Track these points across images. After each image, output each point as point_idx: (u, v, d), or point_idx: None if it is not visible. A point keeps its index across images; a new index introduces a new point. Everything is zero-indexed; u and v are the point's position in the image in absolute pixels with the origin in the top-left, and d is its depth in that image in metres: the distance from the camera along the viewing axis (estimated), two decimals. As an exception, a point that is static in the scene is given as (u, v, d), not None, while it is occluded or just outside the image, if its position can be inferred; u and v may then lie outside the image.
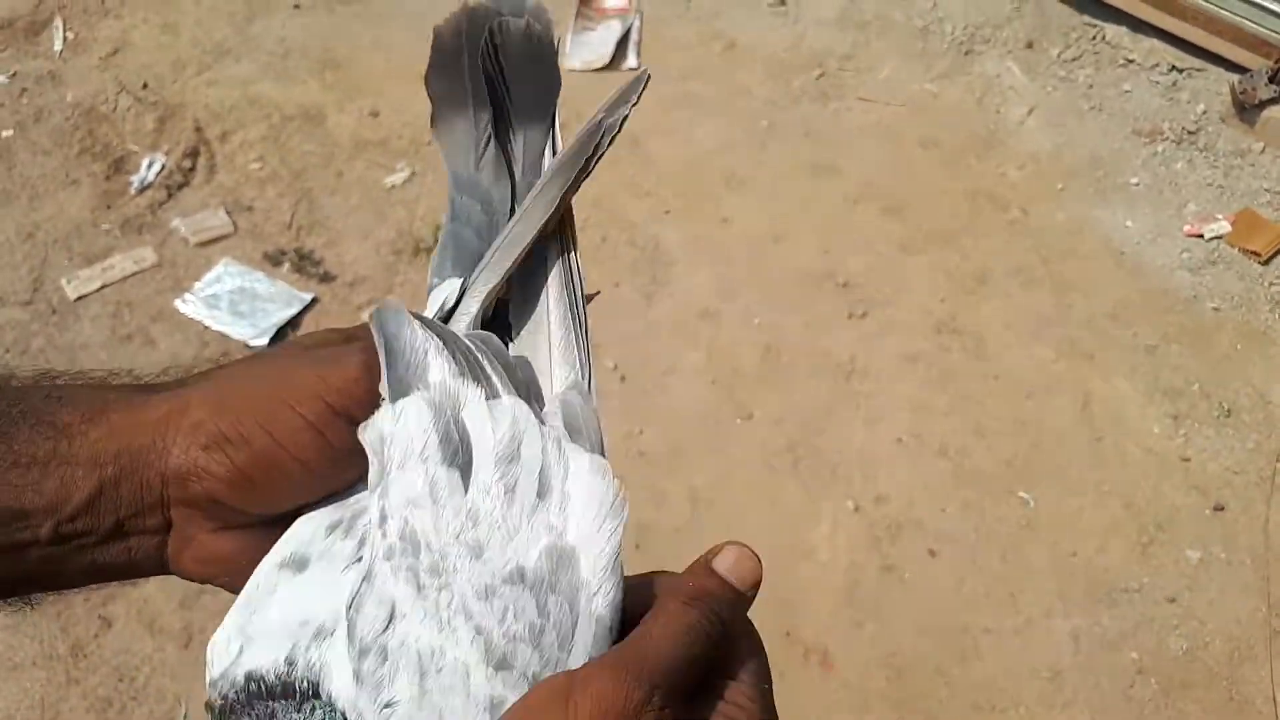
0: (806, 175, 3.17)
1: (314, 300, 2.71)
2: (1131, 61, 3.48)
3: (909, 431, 2.59)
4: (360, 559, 0.42)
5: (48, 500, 0.44)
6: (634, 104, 0.50)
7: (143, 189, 2.95)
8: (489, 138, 0.52)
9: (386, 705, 0.37)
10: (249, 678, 0.40)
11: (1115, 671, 2.22)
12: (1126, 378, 2.76)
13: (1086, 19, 3.57)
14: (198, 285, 2.73)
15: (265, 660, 0.40)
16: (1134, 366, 2.77)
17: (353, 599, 0.39)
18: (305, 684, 0.39)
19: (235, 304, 2.68)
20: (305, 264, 2.79)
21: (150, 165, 2.99)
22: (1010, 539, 2.41)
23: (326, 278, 2.77)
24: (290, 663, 0.39)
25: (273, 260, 2.79)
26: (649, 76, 0.52)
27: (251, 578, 0.44)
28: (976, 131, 3.32)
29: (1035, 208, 3.13)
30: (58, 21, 3.38)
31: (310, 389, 0.45)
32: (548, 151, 0.53)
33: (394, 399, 0.43)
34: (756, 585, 0.46)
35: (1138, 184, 3.21)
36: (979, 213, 3.10)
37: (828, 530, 2.40)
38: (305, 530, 0.45)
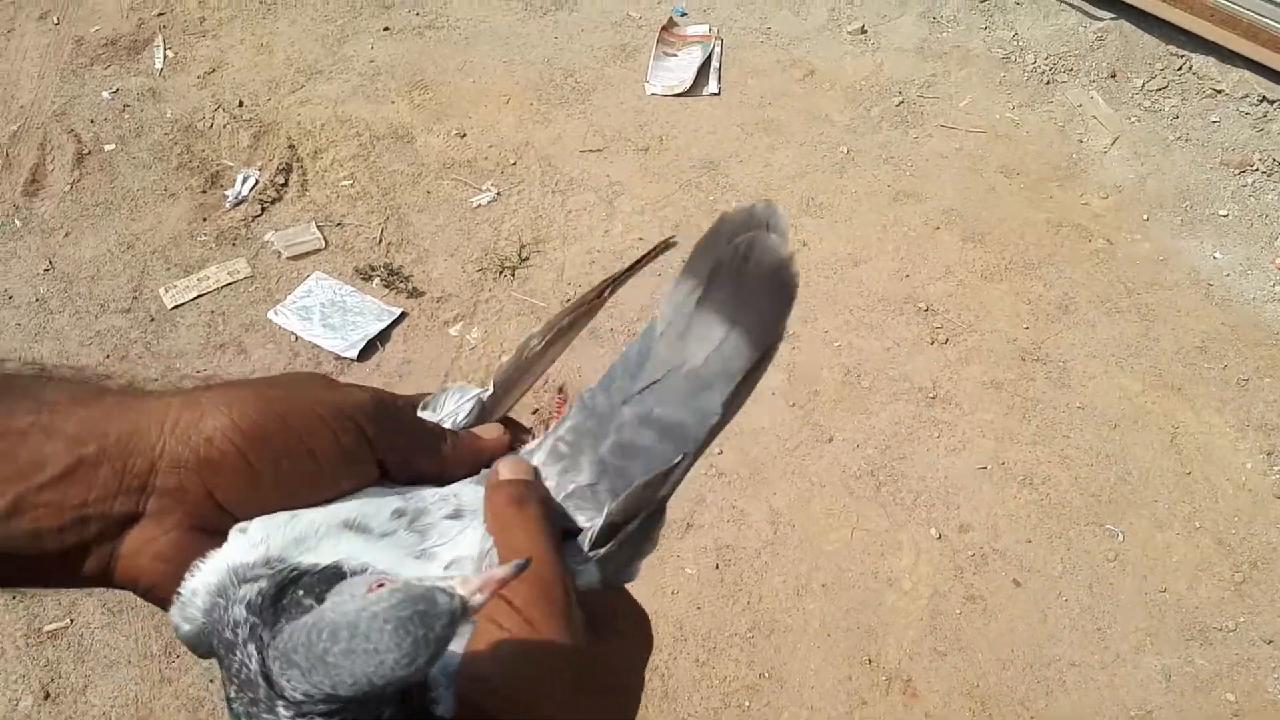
0: (886, 201, 3.16)
1: (402, 315, 2.77)
2: (1220, 92, 3.43)
3: (993, 459, 2.56)
4: (422, 554, 0.46)
5: (17, 468, 0.43)
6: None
7: (237, 203, 3.03)
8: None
9: None
10: (327, 568, 0.43)
11: (1209, 713, 2.17)
12: (1217, 411, 2.70)
13: (1173, 49, 3.53)
14: (290, 297, 2.79)
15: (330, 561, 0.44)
16: (1224, 400, 2.72)
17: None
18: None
19: (326, 316, 2.74)
20: (394, 279, 2.84)
21: (245, 180, 3.08)
22: (1097, 572, 2.37)
23: (415, 293, 2.82)
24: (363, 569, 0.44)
25: (363, 275, 2.85)
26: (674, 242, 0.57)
27: (294, 521, 0.45)
28: (1059, 161, 3.30)
29: (1120, 238, 3.09)
30: (158, 41, 3.50)
31: (325, 396, 0.48)
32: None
33: None
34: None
35: (1226, 215, 3.16)
36: (1062, 242, 3.07)
37: (910, 558, 2.38)
38: (370, 506, 0.47)
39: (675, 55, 3.51)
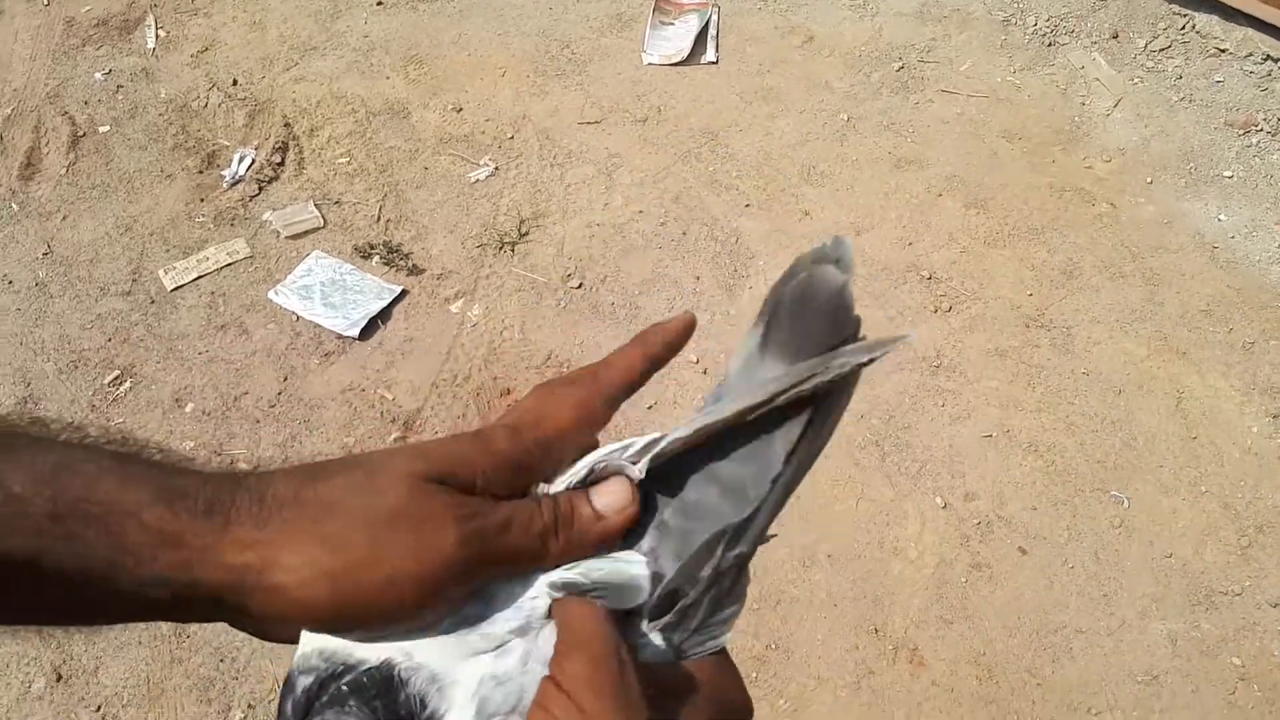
0: (888, 168, 3.14)
1: (403, 292, 2.75)
2: (1223, 51, 3.39)
3: (998, 427, 2.56)
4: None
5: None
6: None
7: (234, 183, 3.02)
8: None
9: None
10: (378, 666, 0.44)
11: (1216, 677, 2.18)
12: (1222, 375, 2.69)
13: (1175, 8, 3.49)
14: (290, 277, 2.78)
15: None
16: (1230, 364, 2.71)
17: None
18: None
19: (327, 295, 2.73)
20: (394, 257, 2.83)
21: (241, 160, 3.06)
22: (1103, 539, 2.37)
23: (415, 270, 2.81)
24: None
25: (362, 253, 2.84)
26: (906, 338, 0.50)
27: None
28: (1061, 124, 3.27)
29: (1123, 201, 3.07)
30: (150, 20, 3.47)
31: (408, 568, 0.44)
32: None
33: None
34: None
35: (1231, 177, 3.14)
36: (1065, 206, 3.05)
37: (916, 527, 2.38)
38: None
39: (672, 24, 3.47)
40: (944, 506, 2.41)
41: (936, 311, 2.80)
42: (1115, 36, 3.48)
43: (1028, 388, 2.65)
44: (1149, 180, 3.12)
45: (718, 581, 0.47)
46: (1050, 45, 3.47)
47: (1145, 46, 3.45)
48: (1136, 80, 3.38)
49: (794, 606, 2.25)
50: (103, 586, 0.44)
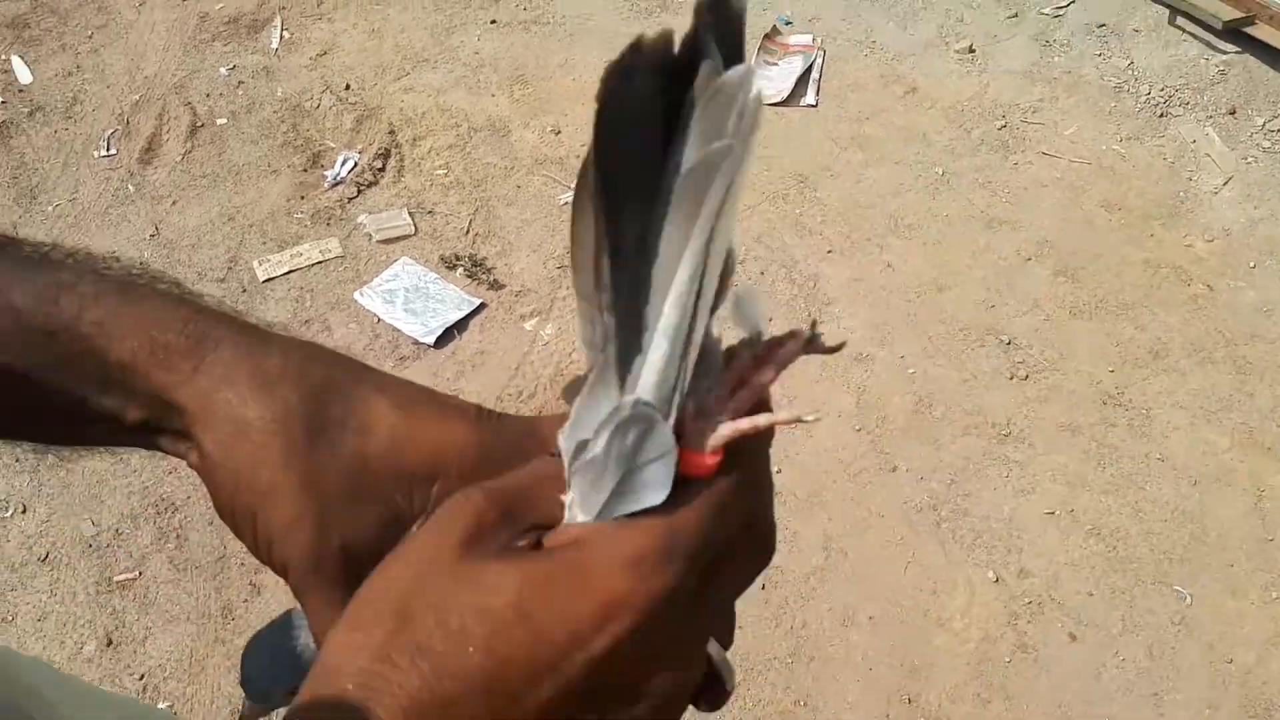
0: (979, 227, 3.09)
1: (481, 305, 2.82)
2: (1348, 138, 3.26)
3: (1062, 505, 2.49)
4: None
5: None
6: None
7: (335, 184, 3.13)
8: None
9: None
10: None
11: (1263, 791, 2.08)
12: (1307, 476, 2.58)
13: (1301, 89, 3.36)
14: (376, 280, 2.87)
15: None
16: (1317, 465, 2.60)
17: None
18: None
19: (409, 301, 2.81)
20: (478, 270, 2.90)
21: (344, 162, 3.17)
22: (1160, 634, 2.29)
23: (496, 285, 2.87)
24: None
25: (448, 264, 2.92)
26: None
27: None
28: (1164, 198, 3.17)
29: (1222, 284, 2.97)
30: (277, 21, 3.63)
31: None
32: None
33: None
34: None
35: (1341, 270, 3.01)
36: (1159, 283, 2.96)
37: (964, 599, 2.33)
38: None
39: (776, 64, 3.48)
40: (996, 580, 2.36)
41: (1012, 378, 2.74)
42: (1232, 112, 3.37)
43: (1098, 467, 2.58)
44: (1252, 265, 3.01)
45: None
46: (1162, 116, 3.38)
47: (1264, 125, 3.34)
48: (1250, 160, 3.26)
49: (828, 665, 2.22)
50: (86, 405, 0.47)
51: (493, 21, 3.63)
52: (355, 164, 3.18)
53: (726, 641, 0.43)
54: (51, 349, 0.46)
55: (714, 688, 0.42)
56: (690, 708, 0.42)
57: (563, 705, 0.36)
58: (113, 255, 0.51)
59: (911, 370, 2.76)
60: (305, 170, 3.19)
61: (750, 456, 0.40)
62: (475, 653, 0.35)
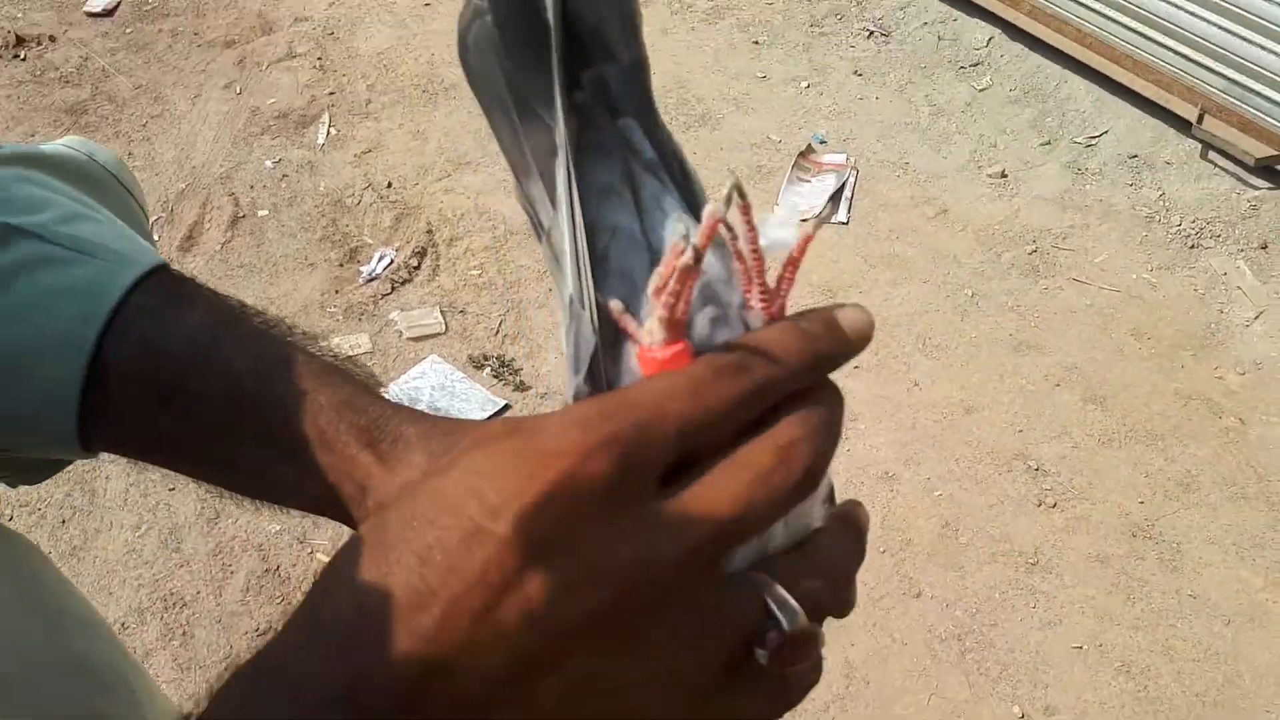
0: (1007, 350, 3.09)
1: (505, 407, 2.83)
2: (1380, 278, 3.26)
3: (1090, 640, 2.43)
4: None
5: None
6: None
7: (370, 279, 3.18)
8: None
9: None
10: None
11: None
12: (1345, 622, 2.51)
13: (1332, 226, 3.38)
14: (404, 377, 2.89)
15: None
16: (1355, 611, 2.52)
17: None
18: None
19: (434, 400, 2.82)
20: (504, 371, 2.92)
21: (381, 259, 3.23)
22: (1192, 781, 2.21)
23: (521, 387, 2.88)
24: None
25: (475, 363, 2.94)
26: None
27: None
28: (1195, 329, 3.17)
29: (1254, 418, 2.93)
30: (325, 118, 3.74)
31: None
32: None
33: None
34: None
35: (1376, 409, 2.97)
36: (1190, 415, 2.93)
37: (988, 733, 2.26)
38: None
39: (809, 181, 3.55)
40: (1021, 717, 2.29)
41: (1040, 506, 2.70)
42: (1264, 247, 3.38)
43: (1127, 602, 2.52)
44: (1285, 400, 2.98)
45: None
46: (1193, 248, 3.40)
47: (1295, 261, 3.34)
48: (1282, 294, 3.26)
49: (846, 797, 2.15)
50: (271, 469, 0.50)
51: (533, 128, 3.72)
52: (391, 261, 3.23)
53: (831, 604, 0.38)
54: (257, 414, 0.50)
55: (772, 635, 0.36)
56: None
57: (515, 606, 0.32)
58: (320, 338, 0.56)
59: (938, 493, 2.73)
60: (341, 265, 3.24)
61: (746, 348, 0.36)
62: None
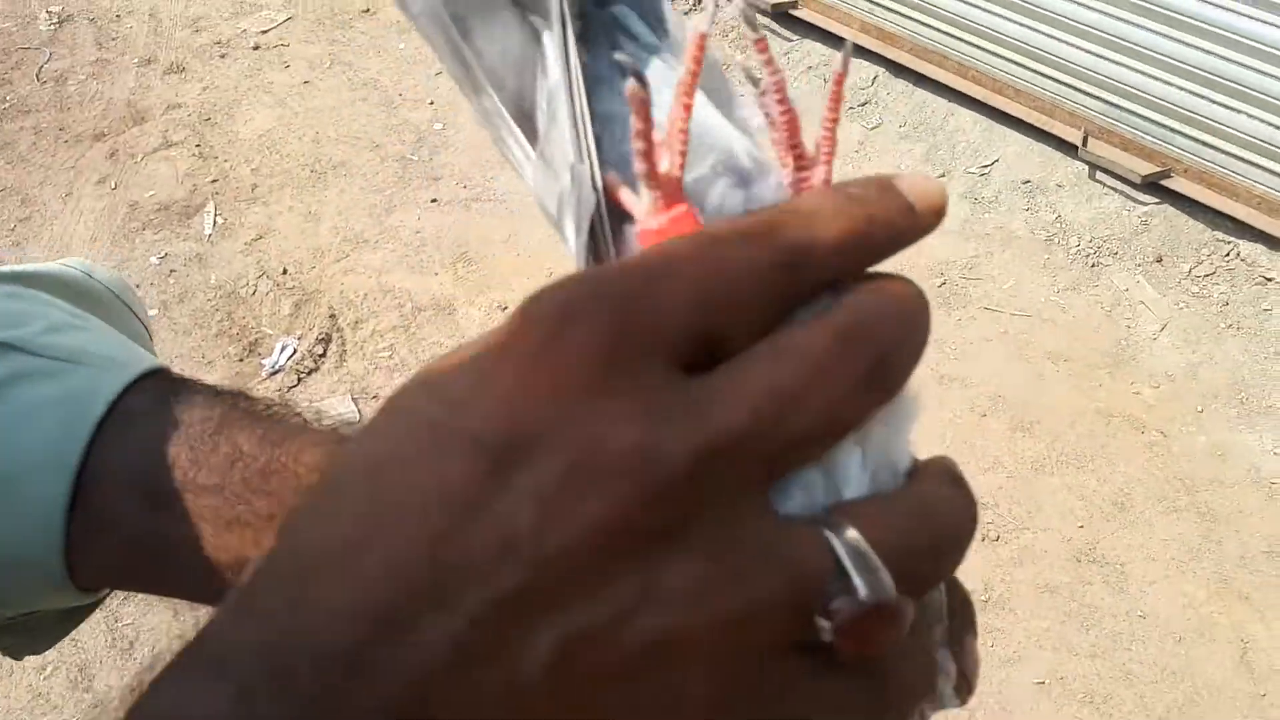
0: (931, 384, 3.10)
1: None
2: (1270, 280, 3.38)
3: (1051, 674, 2.41)
4: None
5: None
6: None
7: (273, 372, 3.02)
8: None
9: None
10: None
11: None
12: (1287, 624, 2.55)
13: (1218, 235, 3.50)
14: (321, 474, 2.74)
15: None
16: (1295, 611, 2.57)
17: None
18: None
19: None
20: (428, 459, 2.79)
21: (283, 349, 3.08)
22: (1170, 808, 2.19)
23: (447, 474, 2.76)
24: None
25: (396, 453, 2.81)
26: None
27: None
28: (1108, 347, 3.23)
29: (1174, 430, 2.99)
30: (210, 207, 3.57)
31: None
32: None
33: None
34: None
35: (1284, 409, 3.07)
36: (1114, 433, 2.98)
37: (965, 784, 2.21)
38: None
39: (717, 231, 3.53)
40: (995, 762, 2.25)
41: (984, 540, 2.69)
42: (1159, 260, 3.49)
43: (1081, 629, 2.52)
44: (1199, 409, 3.05)
45: None
46: (1094, 266, 3.48)
47: (1189, 271, 3.45)
48: (1182, 305, 3.36)
49: None
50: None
51: (433, 200, 3.63)
52: (294, 351, 3.08)
53: (930, 571, 0.29)
54: (263, 488, 0.48)
55: (841, 601, 0.26)
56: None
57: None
58: (323, 412, 0.54)
59: (881, 536, 2.69)
60: (241, 360, 3.08)
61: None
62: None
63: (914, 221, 0.32)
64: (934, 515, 0.30)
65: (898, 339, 0.30)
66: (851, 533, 0.27)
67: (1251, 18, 3.16)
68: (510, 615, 0.23)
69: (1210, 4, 3.23)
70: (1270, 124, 3.27)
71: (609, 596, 0.24)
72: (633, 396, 0.25)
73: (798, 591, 0.26)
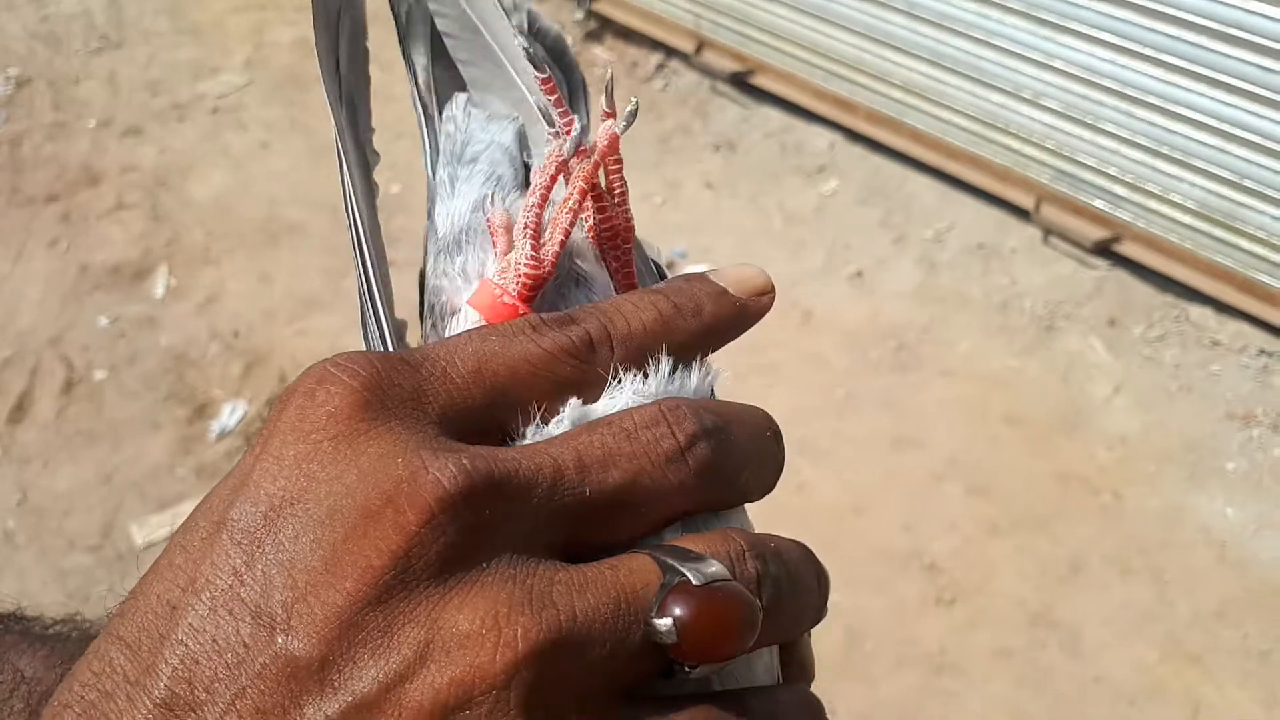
0: (887, 448, 3.09)
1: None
2: (1218, 344, 3.43)
3: (1006, 742, 2.38)
4: None
5: None
6: None
7: (222, 436, 2.97)
8: None
9: None
10: None
11: None
12: (1239, 685, 2.53)
13: (1169, 298, 3.55)
14: (265, 540, 2.69)
15: None
16: (1246, 673, 2.55)
17: None
18: None
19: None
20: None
21: (232, 412, 3.03)
22: None
23: (395, 539, 2.71)
24: None
25: (343, 518, 2.76)
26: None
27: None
28: (1063, 410, 3.25)
29: (1128, 492, 3.00)
30: (162, 269, 3.55)
31: None
32: None
33: None
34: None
35: (1234, 470, 3.08)
36: (1069, 495, 2.98)
37: None
38: None
39: (674, 294, 3.54)
40: (950, 834, 2.20)
41: (939, 603, 2.67)
42: (1112, 323, 3.53)
43: (1036, 693, 2.49)
44: (1153, 470, 3.07)
45: None
46: (1049, 329, 3.51)
47: (1141, 334, 3.49)
48: (1135, 367, 3.39)
49: None
50: None
51: (390, 263, 3.62)
52: (244, 414, 3.04)
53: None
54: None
55: (673, 597, 0.26)
56: None
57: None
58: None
59: (836, 598, 2.65)
60: (190, 423, 3.03)
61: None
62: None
63: (729, 304, 0.35)
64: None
65: (707, 428, 0.32)
66: (668, 541, 0.28)
67: (1192, 91, 3.25)
68: (280, 702, 0.22)
69: (1157, 79, 3.31)
70: (1215, 192, 3.34)
71: (389, 650, 0.23)
72: (391, 439, 0.25)
73: (625, 603, 0.26)
